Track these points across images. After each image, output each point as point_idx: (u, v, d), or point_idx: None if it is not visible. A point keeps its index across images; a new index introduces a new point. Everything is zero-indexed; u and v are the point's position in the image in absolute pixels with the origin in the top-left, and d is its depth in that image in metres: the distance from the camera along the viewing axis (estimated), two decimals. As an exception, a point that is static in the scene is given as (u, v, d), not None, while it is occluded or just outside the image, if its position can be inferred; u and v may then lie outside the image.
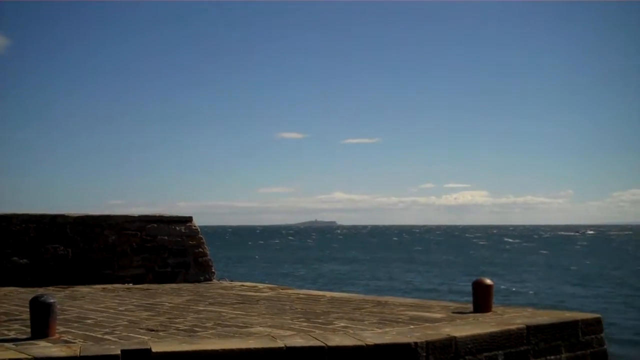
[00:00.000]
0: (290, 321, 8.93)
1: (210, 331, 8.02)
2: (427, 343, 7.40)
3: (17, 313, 9.77)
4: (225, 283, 16.07)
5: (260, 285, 15.41)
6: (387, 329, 8.17)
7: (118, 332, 7.87)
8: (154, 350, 6.61)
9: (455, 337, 7.72)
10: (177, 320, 9.02)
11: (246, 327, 8.37)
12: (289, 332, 7.84)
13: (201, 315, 9.58)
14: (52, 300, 7.44)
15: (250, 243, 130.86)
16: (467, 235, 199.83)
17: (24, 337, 7.38)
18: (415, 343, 7.31)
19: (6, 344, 6.91)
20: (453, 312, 9.87)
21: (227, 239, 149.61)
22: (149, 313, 9.91)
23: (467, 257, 79.49)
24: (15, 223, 15.19)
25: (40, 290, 12.68)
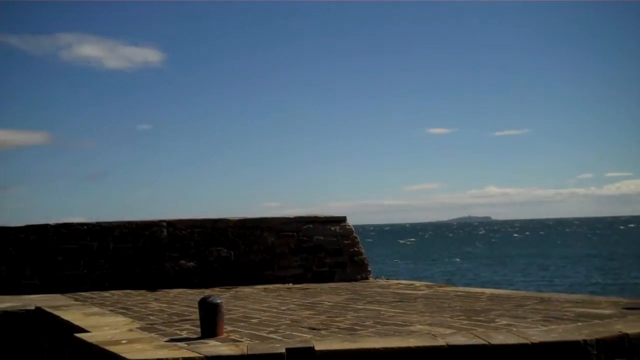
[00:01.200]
0: (450, 319, 8.80)
1: (371, 329, 8.07)
2: (598, 341, 7.03)
3: (187, 313, 10.30)
4: (382, 281, 16.13)
5: (417, 283, 15.33)
6: (552, 327, 7.84)
7: (282, 331, 8.10)
8: (317, 348, 6.74)
9: (627, 334, 7.29)
10: (337, 319, 9.14)
11: (406, 325, 8.33)
12: (449, 331, 7.72)
13: (360, 314, 9.66)
14: (219, 301, 7.78)
15: (400, 241, 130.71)
16: (630, 225, 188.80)
17: (195, 336, 7.76)
18: (585, 341, 6.97)
19: (179, 344, 7.29)
20: (624, 308, 9.31)
21: (377, 237, 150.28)
22: (310, 312, 10.13)
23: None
24: (180, 228, 16.05)
25: (206, 292, 13.31)
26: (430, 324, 8.31)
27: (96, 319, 9.72)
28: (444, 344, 6.88)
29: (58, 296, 14.09)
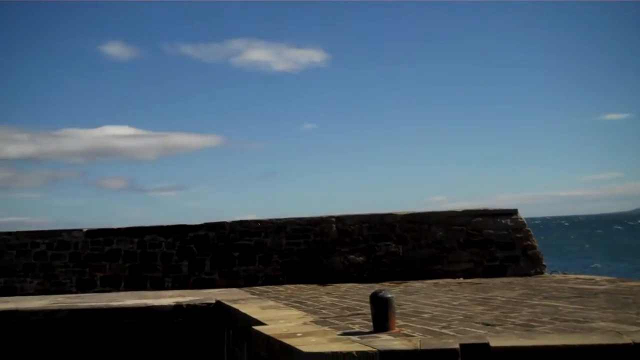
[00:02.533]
0: (636, 316, 8.24)
1: (548, 326, 7.72)
2: None
3: (358, 308, 10.40)
4: (558, 276, 15.43)
5: (598, 278, 14.51)
6: None
7: (454, 326, 7.95)
8: (492, 344, 6.55)
9: None
10: (512, 315, 8.85)
11: (586, 321, 7.90)
12: (635, 328, 7.22)
13: (536, 310, 9.28)
14: (390, 296, 7.77)
15: (572, 235, 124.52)
16: None
17: (367, 330, 7.81)
18: None
19: (352, 337, 7.37)
20: None
21: (552, 229, 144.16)
22: (483, 307, 9.88)
23: None
24: (349, 224, 16.26)
25: (376, 286, 13.37)
26: (613, 321, 7.83)
27: (272, 312, 10.06)
28: (630, 341, 6.45)
29: (235, 290, 14.77)
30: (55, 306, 13.03)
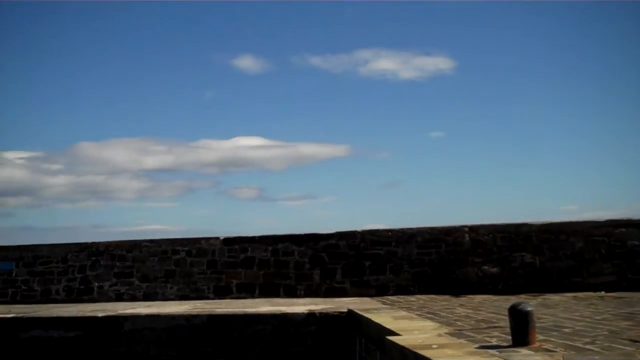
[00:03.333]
0: None
1: None
2: None
3: (494, 320, 10.11)
4: None
5: None
6: None
7: (599, 342, 7.55)
8: (643, 363, 6.15)
9: None
10: (662, 332, 8.30)
11: None
12: None
13: (690, 327, 8.66)
14: (530, 309, 7.49)
15: None
16: None
17: (505, 344, 7.56)
18: None
19: (490, 351, 7.15)
20: None
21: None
22: (629, 323, 9.33)
23: None
24: (482, 233, 15.87)
25: (512, 299, 12.97)
26: None
27: (406, 323, 9.95)
28: None
29: (367, 299, 14.77)
30: (194, 311, 13.54)
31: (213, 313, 13.29)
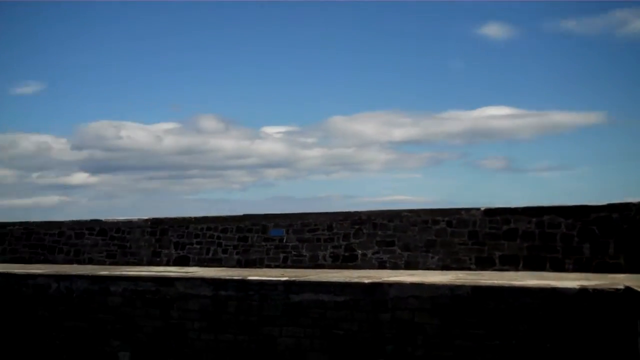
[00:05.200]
0: None
1: None
2: None
3: None
4: None
5: None
6: None
7: None
8: None
9: None
10: None
11: None
12: None
13: None
14: None
15: None
16: None
17: None
18: None
19: None
20: None
21: None
22: None
23: None
24: None
25: None
26: None
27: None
28: None
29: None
30: (458, 282, 13.42)
31: (477, 284, 13.06)
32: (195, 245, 20.19)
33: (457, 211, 17.01)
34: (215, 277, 16.02)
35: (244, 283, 15.32)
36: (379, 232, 17.79)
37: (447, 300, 13.04)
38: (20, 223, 23.80)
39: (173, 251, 20.50)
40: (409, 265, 17.19)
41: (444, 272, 16.00)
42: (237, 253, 19.54)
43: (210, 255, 19.90)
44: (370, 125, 57.78)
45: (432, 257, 17.03)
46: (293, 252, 18.85)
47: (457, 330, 12.88)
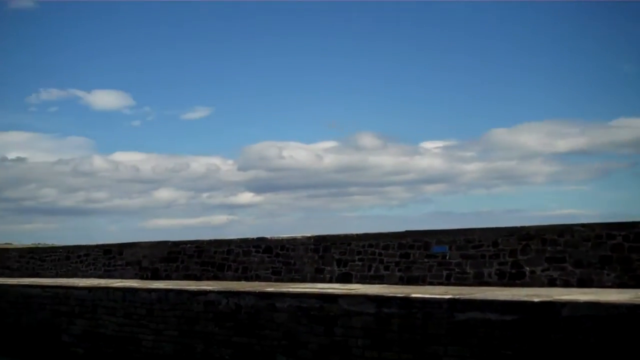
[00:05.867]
0: None
1: None
2: None
3: None
4: None
5: None
6: None
7: None
8: None
9: None
10: None
11: None
12: None
13: None
14: None
15: None
16: None
17: None
18: None
19: None
20: None
21: None
22: None
23: None
24: None
25: None
26: None
27: None
28: None
29: None
30: (637, 301, 12.41)
31: (661, 304, 12.00)
32: (357, 262, 20.20)
33: (636, 224, 15.81)
34: (378, 294, 15.90)
35: (407, 301, 15.07)
36: (549, 248, 16.90)
37: (627, 320, 12.08)
38: (192, 241, 24.96)
39: (336, 268, 20.63)
40: (582, 283, 16.18)
41: (621, 290, 14.88)
42: (399, 270, 19.31)
43: (372, 272, 19.82)
44: (532, 137, 55.89)
45: (608, 275, 15.92)
46: (456, 269, 18.34)
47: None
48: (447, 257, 18.57)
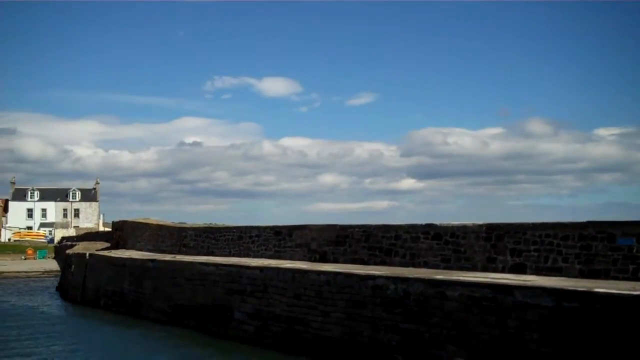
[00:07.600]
0: None
1: None
2: None
3: None
4: None
5: None
6: None
7: None
8: None
9: None
10: None
11: None
12: None
13: None
14: None
15: None
16: None
17: None
18: None
19: None
20: None
21: None
22: None
23: None
24: None
25: None
26: None
27: None
28: None
29: None
30: None
31: None
32: (532, 253, 19.12)
33: None
34: (557, 287, 14.93)
35: (590, 295, 14.03)
36: None
37: None
38: (360, 226, 24.87)
39: (509, 258, 19.66)
40: None
41: None
42: (579, 262, 18.03)
43: (549, 263, 18.67)
44: None
45: None
46: (645, 264, 16.82)
47: None
48: (635, 251, 17.09)
